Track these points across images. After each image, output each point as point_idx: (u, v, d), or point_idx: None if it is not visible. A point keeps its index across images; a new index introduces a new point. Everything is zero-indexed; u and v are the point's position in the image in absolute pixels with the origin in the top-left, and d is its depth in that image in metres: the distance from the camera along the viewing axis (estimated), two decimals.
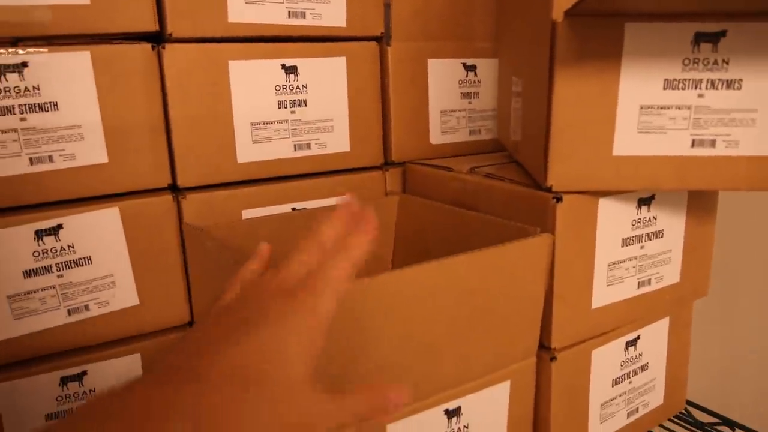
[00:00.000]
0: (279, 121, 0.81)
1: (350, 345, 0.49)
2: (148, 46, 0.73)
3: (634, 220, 0.73)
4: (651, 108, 0.64)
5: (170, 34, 0.73)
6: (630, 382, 0.83)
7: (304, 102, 0.83)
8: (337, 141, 0.86)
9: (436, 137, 0.98)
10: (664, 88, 0.63)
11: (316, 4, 0.81)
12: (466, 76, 1.00)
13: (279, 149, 0.82)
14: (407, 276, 0.50)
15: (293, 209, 0.84)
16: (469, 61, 1.00)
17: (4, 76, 0.66)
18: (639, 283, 0.77)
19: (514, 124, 0.82)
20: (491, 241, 0.65)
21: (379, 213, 0.93)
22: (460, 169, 0.83)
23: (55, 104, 0.69)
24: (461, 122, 1.00)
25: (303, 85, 0.82)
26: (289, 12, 0.80)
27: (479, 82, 1.01)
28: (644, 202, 0.73)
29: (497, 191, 0.74)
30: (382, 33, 0.89)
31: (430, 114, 0.97)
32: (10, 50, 0.66)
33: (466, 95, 1.00)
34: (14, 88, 0.67)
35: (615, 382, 0.80)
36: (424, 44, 0.94)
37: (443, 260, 0.52)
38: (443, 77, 0.97)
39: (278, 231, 0.81)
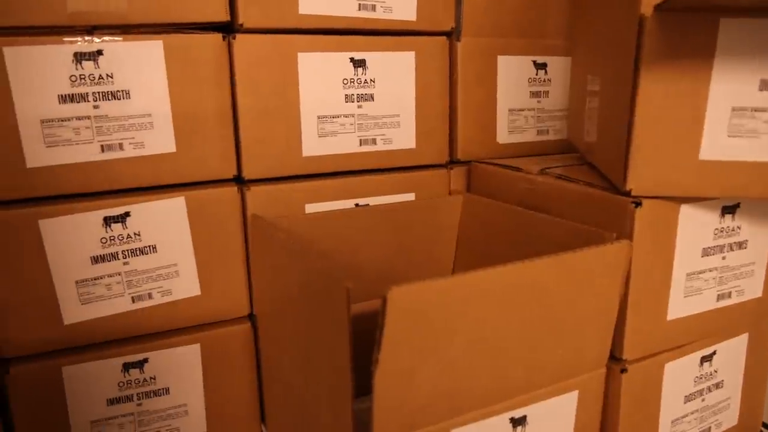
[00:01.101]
0: (345, 115, 0.80)
1: (420, 345, 0.48)
2: (218, 36, 0.73)
3: (717, 229, 0.69)
4: (744, 110, 0.60)
5: (241, 25, 0.72)
6: (703, 400, 0.79)
7: (371, 96, 0.81)
8: (403, 137, 0.85)
9: (503, 136, 0.95)
10: (760, 89, 0.59)
11: None
12: (536, 74, 0.97)
13: (344, 144, 0.81)
14: (481, 278, 0.48)
15: (356, 205, 0.83)
16: (540, 59, 0.97)
17: (80, 63, 0.67)
18: (718, 295, 0.73)
19: (589, 125, 0.78)
20: (562, 245, 0.63)
21: (441, 212, 0.92)
22: (529, 169, 0.80)
23: (128, 92, 0.70)
24: (529, 121, 0.97)
25: (371, 79, 0.81)
26: (359, 5, 0.78)
27: (549, 80, 0.98)
28: (728, 210, 0.69)
29: (570, 193, 0.71)
30: (452, 28, 0.87)
31: (497, 112, 0.94)
32: (86, 38, 0.67)
33: (535, 94, 0.97)
34: (89, 75, 0.68)
35: (687, 399, 0.76)
36: (495, 40, 0.91)
37: (519, 263, 0.50)
38: (513, 75, 0.94)
39: (341, 227, 0.80)
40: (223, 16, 0.73)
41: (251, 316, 0.80)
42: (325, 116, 0.79)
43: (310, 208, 0.80)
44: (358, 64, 0.80)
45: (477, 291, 0.49)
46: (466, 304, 0.49)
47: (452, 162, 0.92)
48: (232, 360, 0.80)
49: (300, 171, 0.79)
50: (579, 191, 0.70)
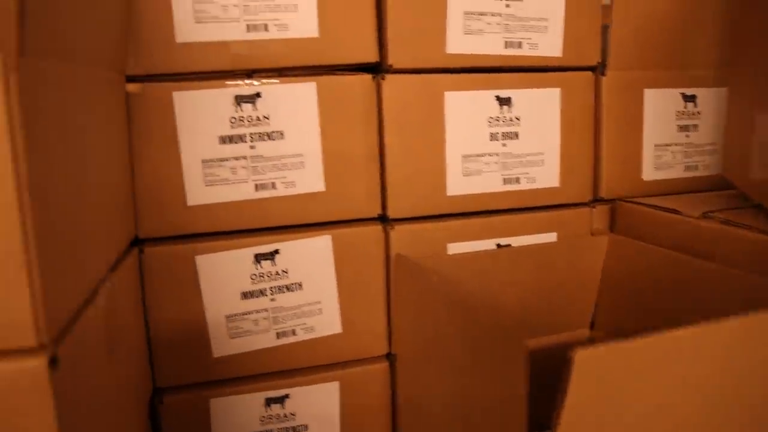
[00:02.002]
0: (490, 154, 0.78)
1: (602, 410, 0.45)
2: (368, 76, 0.73)
3: None
4: None
5: (390, 65, 0.73)
6: None
7: (516, 135, 0.79)
8: (546, 175, 0.82)
9: (648, 173, 0.90)
10: None
11: (534, 34, 0.78)
12: (685, 107, 0.91)
13: (488, 183, 0.79)
14: (671, 339, 0.45)
15: (498, 245, 0.80)
16: (689, 91, 0.91)
17: (240, 106, 0.70)
18: None
19: (760, 161, 0.73)
20: (735, 300, 0.58)
21: (584, 253, 0.88)
22: (689, 212, 0.75)
23: (282, 133, 0.71)
24: (677, 157, 0.92)
25: (516, 117, 0.79)
26: (506, 42, 0.77)
27: (699, 113, 0.92)
28: None
29: (743, 241, 0.66)
30: (598, 62, 0.84)
31: (643, 148, 0.89)
32: (246, 81, 0.70)
33: (683, 128, 0.92)
34: (248, 117, 0.70)
35: None
36: (641, 73, 0.87)
37: (705, 325, 0.46)
38: (660, 108, 0.89)
39: (483, 268, 0.78)
40: (372, 56, 0.74)
41: (389, 356, 0.80)
42: (470, 155, 0.78)
43: (452, 247, 0.78)
44: (504, 101, 0.78)
45: (664, 353, 0.45)
46: (652, 366, 0.45)
47: (595, 200, 0.88)
48: (370, 398, 0.79)
49: (444, 210, 0.78)
50: (753, 239, 0.65)
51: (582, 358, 0.42)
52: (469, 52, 0.75)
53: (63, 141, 0.42)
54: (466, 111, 0.76)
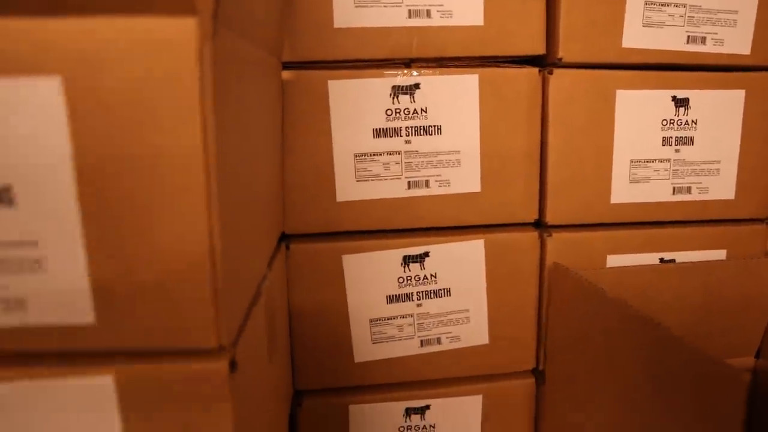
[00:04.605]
0: (660, 160, 0.69)
1: None
2: (534, 70, 0.66)
3: None
4: None
5: (560, 59, 0.65)
6: None
7: (691, 140, 0.70)
8: (721, 186, 0.72)
9: None
10: None
11: (720, 28, 0.68)
12: None
13: (656, 191, 0.69)
14: None
15: (661, 260, 0.71)
16: None
17: (397, 98, 0.64)
18: None
19: None
20: None
21: (756, 276, 0.77)
22: None
23: (439, 128, 0.65)
24: None
25: (692, 121, 0.69)
26: (688, 37, 0.67)
27: None
28: None
29: None
30: None
31: None
32: (405, 71, 0.64)
33: None
34: (404, 109, 0.64)
35: None
36: None
37: None
38: None
39: (646, 283, 0.69)
40: (539, 49, 0.66)
41: (536, 371, 0.72)
42: (639, 160, 0.68)
43: (612, 259, 0.70)
44: (681, 103, 0.69)
45: None
46: None
47: None
48: (513, 415, 0.71)
49: (606, 219, 0.69)
50: None
51: None
52: (647, 47, 0.66)
53: (240, 125, 0.37)
54: (638, 111, 0.67)
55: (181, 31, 0.25)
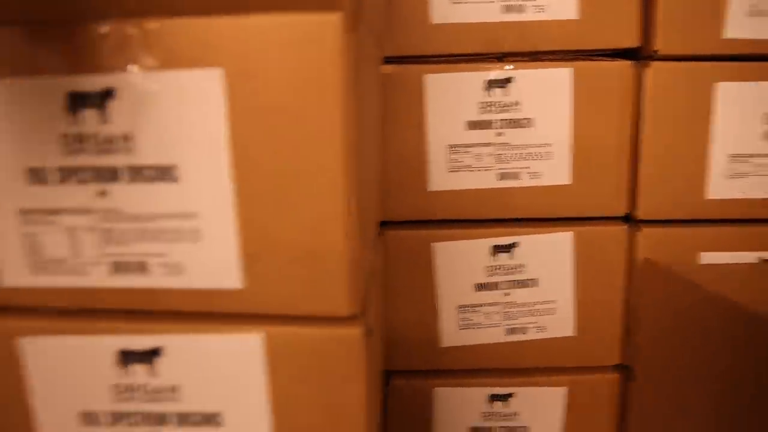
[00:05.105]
0: (762, 155, 0.67)
1: None
2: (628, 63, 0.66)
3: None
4: None
5: (656, 51, 0.65)
6: None
7: None
8: None
9: None
10: None
11: None
12: None
13: (756, 187, 0.67)
14: None
15: (761, 259, 0.70)
16: None
17: (490, 90, 0.66)
18: None
19: None
20: None
21: None
22: None
23: (531, 120, 0.67)
24: None
25: None
26: None
27: None
28: None
29: None
30: None
31: None
32: (499, 65, 0.66)
33: None
34: (497, 102, 0.66)
35: None
36: None
37: None
38: None
39: (743, 283, 0.68)
40: (634, 41, 0.66)
41: (620, 367, 0.73)
42: (738, 155, 0.68)
43: (705, 256, 0.69)
44: None
45: None
46: None
47: None
48: (597, 409, 0.72)
49: (700, 215, 0.69)
50: None
51: None
52: (751, 37, 0.66)
53: (364, 114, 0.40)
54: (738, 104, 0.67)
55: (327, 26, 0.28)
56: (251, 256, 0.31)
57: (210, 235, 0.31)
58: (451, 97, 0.65)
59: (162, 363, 0.34)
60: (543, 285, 0.69)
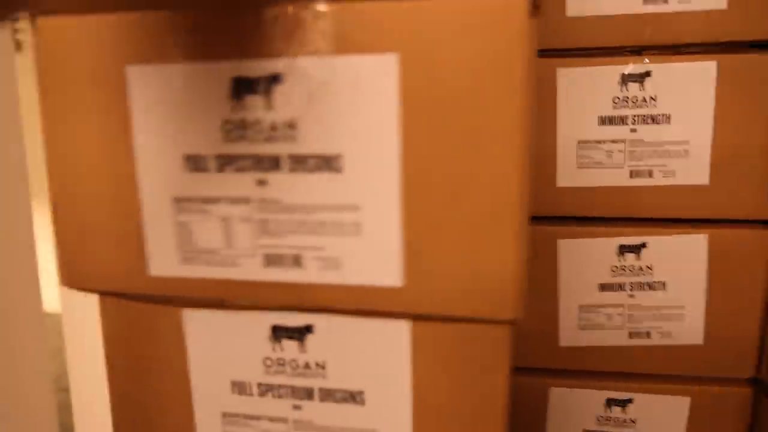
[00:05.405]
0: None
1: None
2: None
3: None
4: None
5: None
6: None
7: None
8: None
9: None
10: None
11: None
12: None
13: None
14: None
15: None
16: None
17: (626, 85, 0.60)
18: None
19: None
20: None
21: None
22: None
23: (668, 117, 0.60)
24: None
25: None
26: None
27: None
28: None
29: None
30: None
31: None
32: (636, 59, 0.60)
33: None
34: (632, 97, 0.60)
35: None
36: None
37: None
38: None
39: None
40: None
41: (754, 381, 0.65)
42: None
43: None
44: None
45: None
46: None
47: None
48: (723, 425, 0.65)
49: None
50: None
51: None
52: None
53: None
54: None
55: (511, 9, 0.24)
56: (414, 254, 0.28)
57: (372, 229, 0.28)
58: (583, 92, 0.60)
59: (312, 340, 0.33)
60: (671, 289, 0.62)
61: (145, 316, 0.35)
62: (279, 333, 0.34)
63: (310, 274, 0.29)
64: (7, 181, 0.90)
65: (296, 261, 0.29)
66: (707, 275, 0.62)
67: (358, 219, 0.28)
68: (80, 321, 0.89)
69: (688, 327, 0.63)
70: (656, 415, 0.65)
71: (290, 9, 0.25)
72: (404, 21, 0.25)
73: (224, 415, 0.36)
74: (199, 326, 0.34)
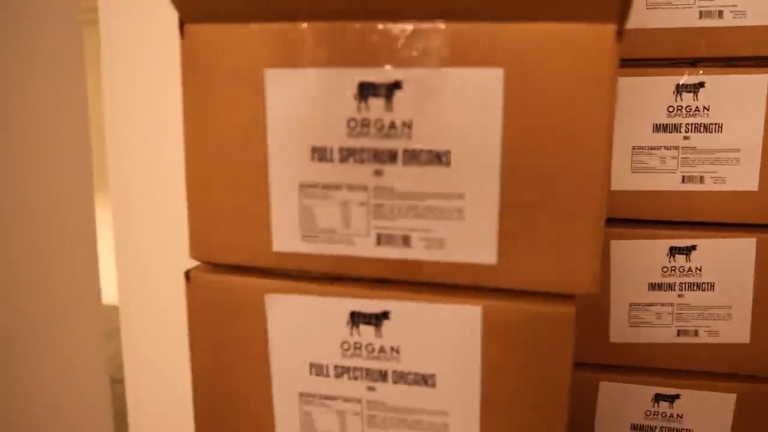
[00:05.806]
0: None
1: None
2: None
3: None
4: None
5: None
6: None
7: None
8: None
9: None
10: None
11: None
12: None
13: None
14: None
15: None
16: None
17: (680, 95, 0.64)
18: None
19: None
20: None
21: None
22: None
23: (720, 126, 0.64)
24: None
25: None
26: None
27: None
28: None
29: None
30: None
31: None
32: (690, 70, 0.64)
33: None
34: (686, 107, 0.64)
35: None
36: None
37: None
38: None
39: None
40: None
41: None
42: None
43: None
44: None
45: None
46: None
47: None
48: (767, 421, 0.69)
49: None
50: None
51: None
52: None
53: None
54: None
55: (602, 36, 0.29)
56: (507, 236, 0.33)
57: (473, 215, 0.33)
58: (639, 100, 0.64)
59: (388, 326, 0.37)
60: (719, 289, 0.66)
61: (229, 299, 0.39)
62: (357, 318, 0.38)
63: (416, 251, 0.34)
64: (72, 178, 0.96)
65: (405, 241, 0.34)
66: (754, 277, 0.65)
67: (462, 206, 0.33)
68: (136, 312, 0.93)
69: (736, 326, 0.66)
70: (703, 411, 0.69)
71: (414, 25, 0.31)
72: (510, 41, 0.30)
73: (301, 395, 0.40)
74: (281, 310, 0.39)
